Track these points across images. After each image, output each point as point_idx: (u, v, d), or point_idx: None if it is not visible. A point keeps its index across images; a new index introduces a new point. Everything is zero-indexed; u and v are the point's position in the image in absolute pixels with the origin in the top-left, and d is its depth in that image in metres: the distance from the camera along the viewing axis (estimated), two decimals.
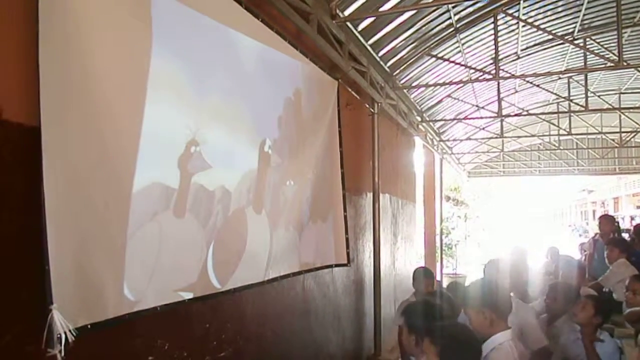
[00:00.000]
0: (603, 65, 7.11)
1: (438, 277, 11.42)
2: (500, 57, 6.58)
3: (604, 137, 13.37)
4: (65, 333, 1.64)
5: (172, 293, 2.34)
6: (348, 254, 4.39)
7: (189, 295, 2.44)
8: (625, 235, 7.82)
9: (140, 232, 2.07)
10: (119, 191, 1.98)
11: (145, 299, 2.12)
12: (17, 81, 1.74)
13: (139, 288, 2.08)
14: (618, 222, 7.85)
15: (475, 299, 2.40)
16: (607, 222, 6.70)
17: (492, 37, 6.23)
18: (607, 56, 6.54)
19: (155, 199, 2.17)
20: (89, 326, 1.80)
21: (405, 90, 7.30)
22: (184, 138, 2.37)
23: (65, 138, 1.74)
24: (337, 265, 4.41)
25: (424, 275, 4.36)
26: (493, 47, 6.26)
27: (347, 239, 4.38)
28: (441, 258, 11.86)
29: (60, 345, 1.64)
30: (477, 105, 9.58)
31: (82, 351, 1.78)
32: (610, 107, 10.12)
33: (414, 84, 7.37)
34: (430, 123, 9.68)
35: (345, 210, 4.37)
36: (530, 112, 10.90)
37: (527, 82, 9.42)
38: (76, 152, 1.79)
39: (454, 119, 10.36)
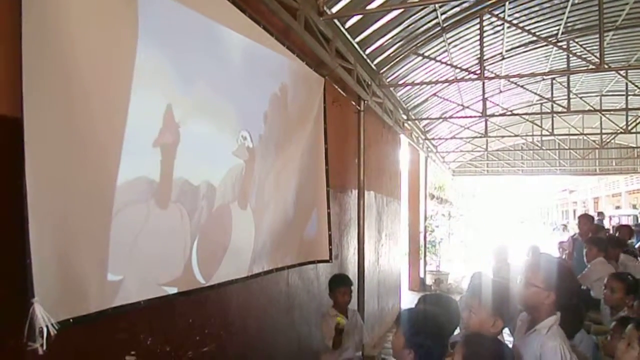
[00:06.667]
0: (585, 68, 7.24)
1: (422, 274, 11.57)
2: (485, 58, 6.66)
3: (585, 138, 13.62)
4: (47, 326, 1.63)
5: (156, 287, 2.33)
6: (330, 250, 4.39)
7: (173, 290, 2.43)
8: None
9: (124, 225, 2.05)
10: (103, 183, 1.96)
11: (128, 294, 2.11)
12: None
13: (122, 282, 2.07)
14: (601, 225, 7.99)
15: (496, 304, 2.30)
16: (586, 221, 6.85)
17: (478, 37, 6.30)
18: (589, 59, 6.66)
19: (140, 192, 2.15)
20: (70, 320, 1.78)
21: (391, 88, 7.36)
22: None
23: (48, 129, 1.72)
24: (319, 262, 4.42)
25: None
26: (478, 47, 6.34)
27: (330, 236, 4.39)
28: (425, 255, 11.98)
29: (42, 338, 1.63)
30: (462, 105, 9.69)
31: (64, 344, 1.77)
32: (591, 108, 10.31)
33: (400, 82, 7.43)
34: (416, 121, 9.76)
35: (328, 207, 4.38)
36: (514, 112, 11.07)
37: (512, 82, 9.56)
38: (59, 144, 1.76)
39: (439, 118, 10.47)
